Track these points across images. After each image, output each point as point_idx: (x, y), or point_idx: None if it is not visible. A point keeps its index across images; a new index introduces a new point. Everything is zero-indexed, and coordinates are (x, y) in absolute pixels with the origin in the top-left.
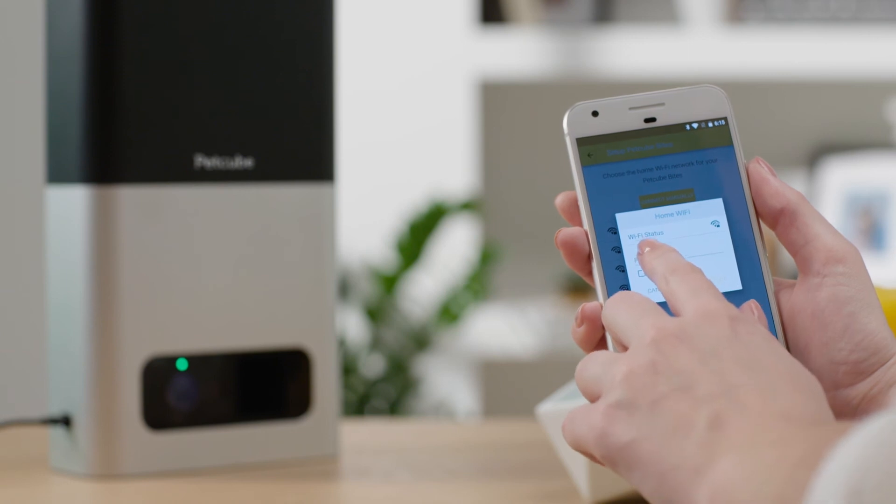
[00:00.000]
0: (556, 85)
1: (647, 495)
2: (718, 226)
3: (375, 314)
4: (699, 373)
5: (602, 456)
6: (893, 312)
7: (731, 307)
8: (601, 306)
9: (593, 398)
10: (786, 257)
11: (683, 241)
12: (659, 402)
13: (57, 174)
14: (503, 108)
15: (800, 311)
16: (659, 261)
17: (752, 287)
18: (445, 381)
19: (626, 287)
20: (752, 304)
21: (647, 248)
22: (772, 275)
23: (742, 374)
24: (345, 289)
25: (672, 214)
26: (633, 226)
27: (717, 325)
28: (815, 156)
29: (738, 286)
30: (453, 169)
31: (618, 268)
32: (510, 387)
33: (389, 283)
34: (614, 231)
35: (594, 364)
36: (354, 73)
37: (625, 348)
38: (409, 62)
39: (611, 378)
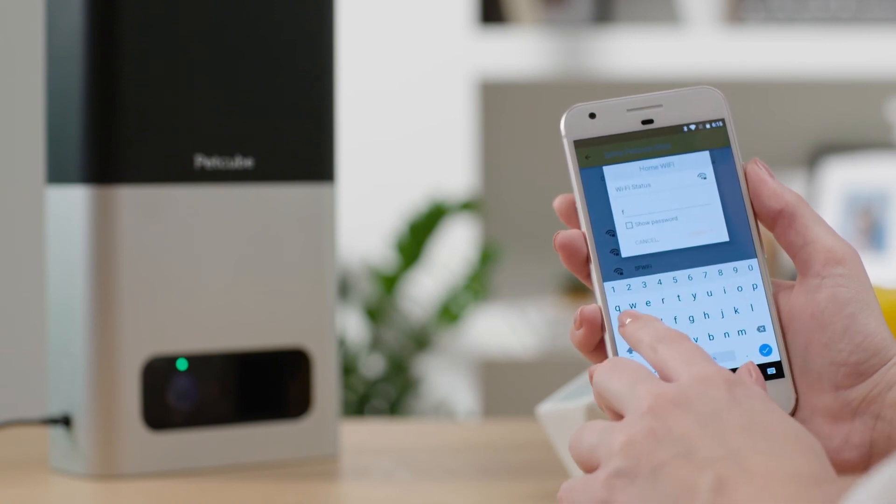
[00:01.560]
0: (556, 85)
1: None
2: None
3: (375, 314)
4: (699, 437)
5: None
6: (893, 313)
7: (726, 371)
8: (599, 309)
9: (590, 468)
10: (785, 259)
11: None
12: (660, 469)
13: (57, 174)
14: (503, 108)
15: (799, 312)
16: (643, 331)
17: (752, 291)
18: (445, 381)
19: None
20: (749, 366)
21: (629, 320)
22: (770, 276)
23: (743, 436)
24: (345, 289)
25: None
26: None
27: (714, 390)
28: (815, 156)
29: (736, 289)
30: (453, 169)
31: (616, 270)
32: (510, 387)
33: (389, 283)
34: (612, 233)
35: (590, 434)
36: (354, 73)
37: (618, 416)
38: (409, 62)
39: (608, 447)
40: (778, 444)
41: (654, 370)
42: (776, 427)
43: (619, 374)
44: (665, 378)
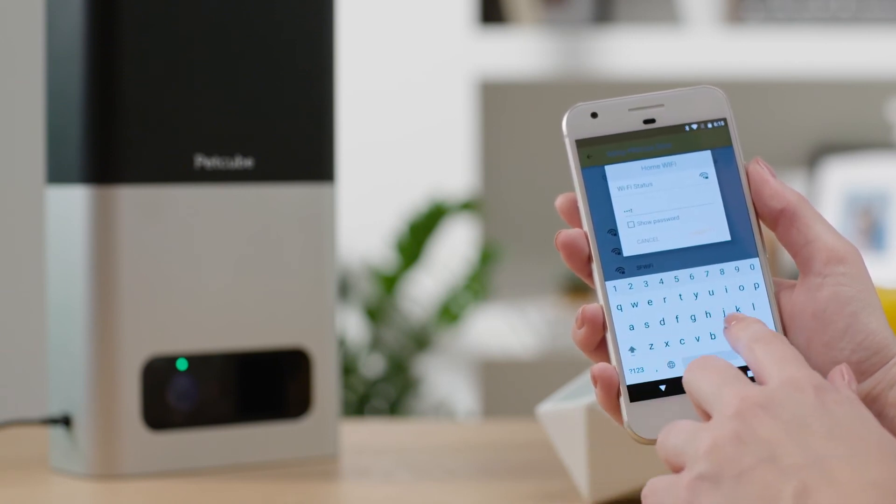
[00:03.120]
0: (556, 85)
1: None
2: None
3: (375, 314)
4: (785, 443)
5: None
6: (894, 312)
7: (816, 376)
8: (601, 308)
9: (676, 469)
10: (786, 258)
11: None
12: (744, 474)
13: (57, 174)
14: (503, 108)
15: (801, 311)
16: (744, 332)
17: (753, 289)
18: (445, 381)
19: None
20: (843, 368)
21: (734, 322)
22: (772, 275)
23: (829, 444)
24: (345, 289)
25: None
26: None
27: (802, 394)
28: (815, 156)
29: (738, 288)
30: (453, 169)
31: (618, 269)
32: (510, 387)
33: (389, 283)
34: (614, 232)
35: (677, 435)
36: (354, 73)
37: (706, 414)
38: (409, 62)
39: (695, 450)
40: (863, 452)
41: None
42: (862, 434)
43: (709, 373)
44: (758, 379)
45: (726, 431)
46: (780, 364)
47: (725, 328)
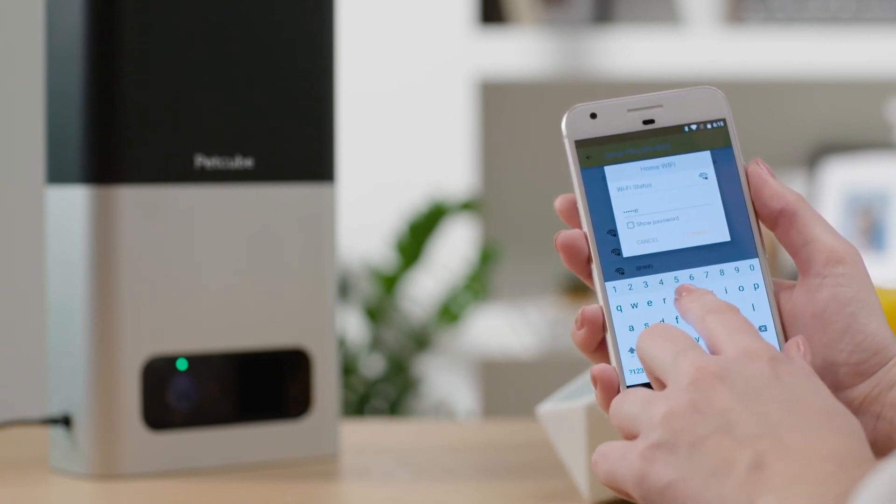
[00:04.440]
0: (556, 85)
1: None
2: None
3: (375, 314)
4: (740, 413)
5: (640, 496)
6: (893, 312)
7: (771, 347)
8: (601, 309)
9: (629, 436)
10: (786, 258)
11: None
12: (699, 443)
13: (57, 174)
14: (503, 108)
15: (800, 312)
16: (695, 303)
17: (753, 291)
18: (445, 381)
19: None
20: (798, 340)
21: (684, 293)
22: (772, 276)
23: (783, 414)
24: (345, 289)
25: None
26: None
27: (757, 365)
28: (815, 156)
29: (738, 289)
30: (453, 169)
31: (618, 270)
32: (510, 387)
33: (389, 283)
34: (614, 233)
35: (631, 402)
36: (354, 73)
37: (659, 382)
38: (409, 62)
39: (649, 418)
40: (817, 423)
41: (701, 340)
42: (816, 405)
43: (664, 341)
44: (711, 349)
45: (682, 401)
46: (734, 335)
47: (676, 299)
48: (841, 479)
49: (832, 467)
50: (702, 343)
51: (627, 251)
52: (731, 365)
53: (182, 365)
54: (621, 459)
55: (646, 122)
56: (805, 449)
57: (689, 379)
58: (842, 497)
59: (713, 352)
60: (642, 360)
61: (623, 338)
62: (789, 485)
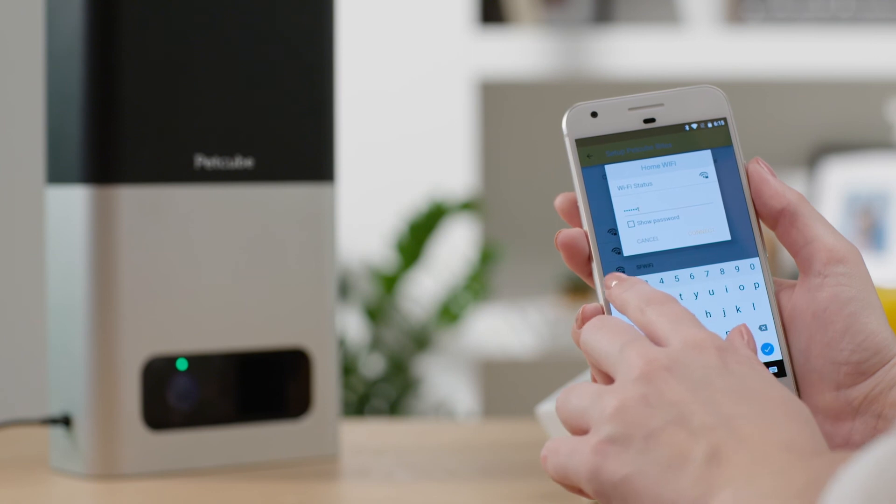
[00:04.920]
0: (556, 85)
1: None
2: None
3: (375, 314)
4: (692, 404)
5: (594, 491)
6: (893, 312)
7: (716, 337)
8: (601, 308)
9: (578, 431)
10: (786, 257)
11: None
12: (653, 436)
13: (57, 174)
14: (503, 108)
15: (801, 311)
16: (629, 293)
17: (753, 290)
18: (445, 381)
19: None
20: (741, 328)
21: (615, 282)
22: (772, 275)
23: (736, 404)
24: (345, 289)
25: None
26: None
27: (706, 356)
28: (815, 156)
29: (738, 288)
30: (453, 169)
31: (618, 269)
32: (510, 387)
33: (389, 283)
34: (614, 232)
35: (579, 396)
36: (354, 73)
37: (605, 376)
38: (409, 62)
39: (600, 412)
40: (769, 412)
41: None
42: (767, 394)
43: (609, 333)
44: (654, 340)
45: (633, 394)
46: (678, 325)
47: (606, 290)
48: (802, 469)
49: (787, 456)
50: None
51: (628, 250)
52: (679, 356)
53: (182, 365)
54: (573, 454)
55: (646, 121)
56: (760, 438)
57: (638, 371)
58: (811, 486)
59: (658, 343)
60: (587, 353)
61: None
62: (747, 477)
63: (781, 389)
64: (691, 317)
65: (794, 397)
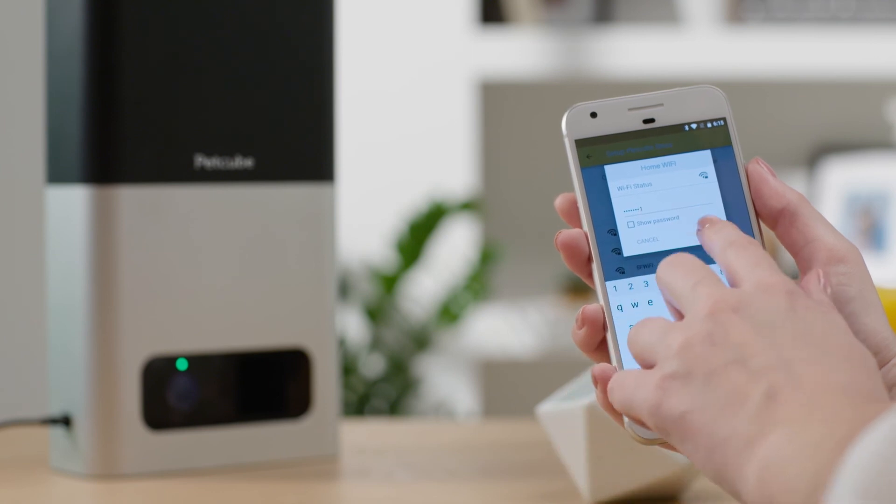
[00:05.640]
0: (556, 85)
1: (699, 466)
2: None
3: (375, 314)
4: (755, 345)
5: (655, 425)
6: (894, 312)
7: (788, 281)
8: (601, 308)
9: (646, 365)
10: (786, 257)
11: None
12: (714, 374)
13: (57, 174)
14: (503, 108)
15: None
16: (717, 235)
17: None
18: (445, 381)
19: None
20: (819, 272)
21: (707, 224)
22: None
23: (798, 347)
24: (345, 289)
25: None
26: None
27: (775, 299)
28: (815, 156)
29: None
30: (453, 169)
31: (618, 269)
32: (510, 387)
33: (389, 283)
34: (614, 232)
35: (649, 331)
36: (354, 73)
37: (677, 312)
38: (409, 62)
39: (666, 347)
40: (830, 357)
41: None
42: (831, 340)
43: (683, 270)
44: (731, 282)
45: (699, 331)
46: (753, 268)
47: (698, 230)
48: (847, 416)
49: (843, 400)
50: (723, 277)
51: (628, 250)
52: (748, 298)
53: (182, 365)
54: (638, 388)
55: (646, 121)
56: (817, 380)
57: (706, 310)
58: (850, 438)
59: (733, 284)
60: (662, 288)
61: (624, 337)
62: (800, 418)
63: (847, 336)
64: (769, 260)
65: (860, 345)
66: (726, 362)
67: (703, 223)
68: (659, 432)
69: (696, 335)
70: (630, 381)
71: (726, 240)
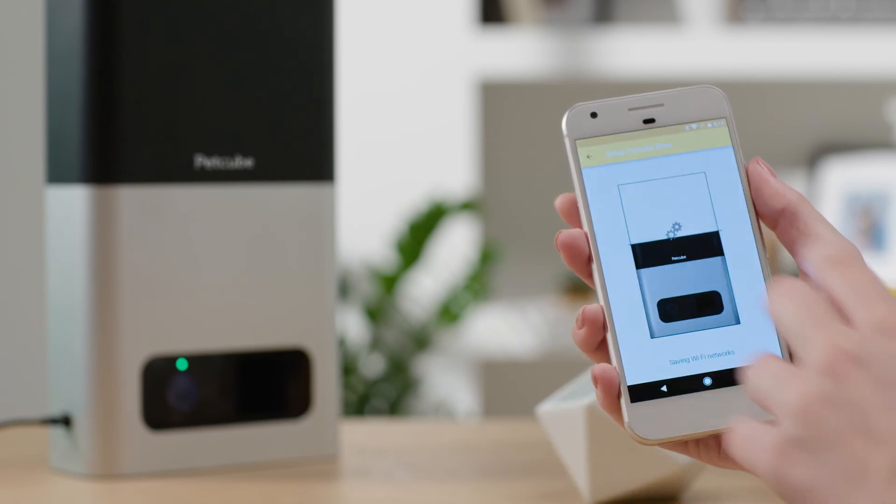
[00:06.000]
0: (556, 85)
1: None
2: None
3: (375, 314)
4: (876, 406)
5: (774, 489)
6: None
7: None
8: (602, 308)
9: (764, 408)
10: (786, 257)
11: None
12: (836, 444)
13: (57, 174)
14: (503, 108)
15: None
16: (813, 251)
17: (752, 290)
18: (445, 381)
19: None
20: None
21: (808, 240)
22: (772, 275)
23: None
24: (345, 289)
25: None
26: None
27: (893, 343)
28: (815, 156)
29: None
30: (453, 169)
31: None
32: (510, 387)
33: (389, 283)
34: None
35: (766, 376)
36: (354, 73)
37: (788, 347)
38: (409, 62)
39: (783, 403)
40: None
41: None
42: None
43: (797, 306)
44: (835, 304)
45: (816, 390)
46: (865, 299)
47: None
48: None
49: None
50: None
51: None
52: (868, 346)
53: (182, 365)
54: (759, 447)
55: (646, 122)
56: None
57: (824, 364)
58: None
59: (839, 308)
60: (774, 319)
61: (624, 337)
62: None
63: None
64: (878, 284)
65: None
66: (848, 427)
67: (804, 241)
68: (778, 496)
69: (814, 394)
70: (752, 437)
71: (824, 255)
